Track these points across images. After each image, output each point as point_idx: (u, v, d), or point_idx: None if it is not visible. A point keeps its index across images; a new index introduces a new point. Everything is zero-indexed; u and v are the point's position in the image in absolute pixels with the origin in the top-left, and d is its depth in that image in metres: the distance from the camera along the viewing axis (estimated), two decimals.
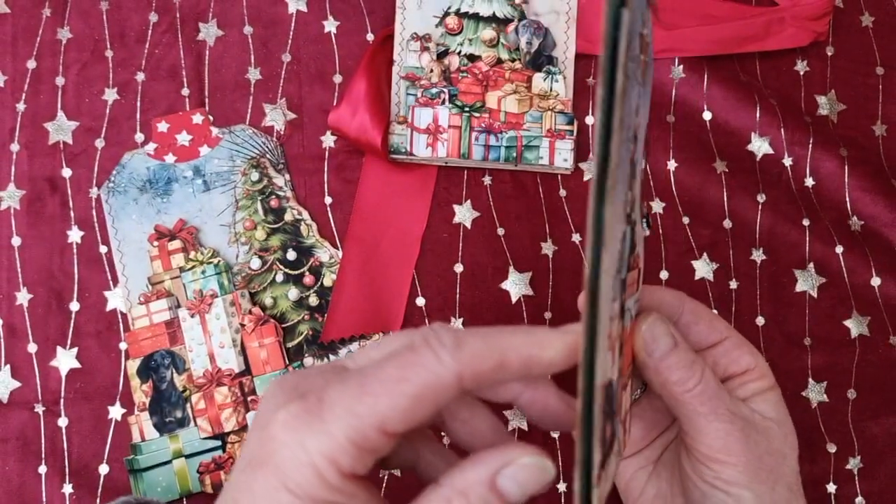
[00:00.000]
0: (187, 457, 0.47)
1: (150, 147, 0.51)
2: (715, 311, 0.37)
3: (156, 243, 0.49)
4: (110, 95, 0.52)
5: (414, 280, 0.50)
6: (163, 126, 0.51)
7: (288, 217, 0.50)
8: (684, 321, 0.37)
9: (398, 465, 0.29)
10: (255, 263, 0.49)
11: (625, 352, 0.31)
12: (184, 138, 0.51)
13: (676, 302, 0.37)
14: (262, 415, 0.26)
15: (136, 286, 0.49)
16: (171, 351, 0.48)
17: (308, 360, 0.48)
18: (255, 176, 0.50)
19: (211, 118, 0.52)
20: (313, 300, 0.49)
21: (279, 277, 0.49)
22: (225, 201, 0.50)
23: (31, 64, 0.52)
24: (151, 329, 0.48)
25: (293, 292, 0.49)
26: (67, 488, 0.47)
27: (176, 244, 0.49)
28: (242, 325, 0.48)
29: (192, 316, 0.48)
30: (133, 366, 0.48)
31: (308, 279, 0.49)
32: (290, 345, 0.48)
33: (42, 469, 0.47)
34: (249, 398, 0.47)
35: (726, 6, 0.53)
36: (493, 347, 0.25)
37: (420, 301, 0.50)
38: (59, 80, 0.52)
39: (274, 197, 0.50)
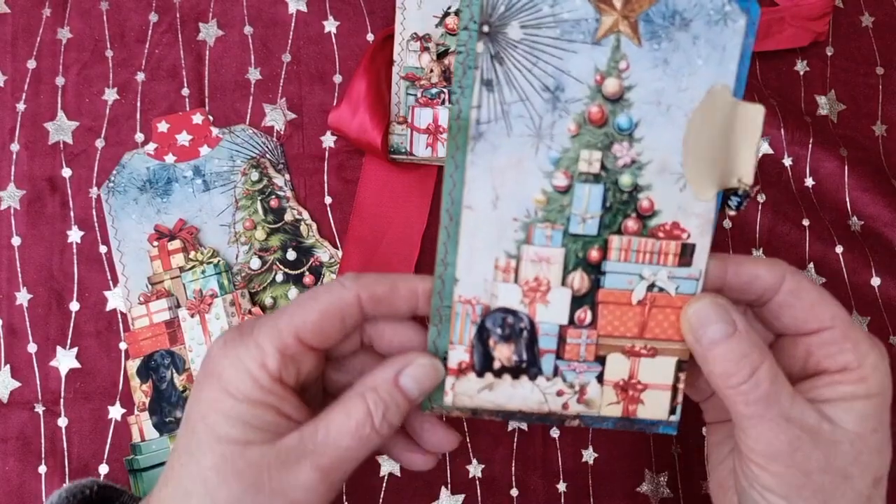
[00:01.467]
0: None
1: (151, 147, 0.51)
2: (826, 294, 0.32)
3: (156, 243, 0.49)
4: (110, 95, 0.52)
5: None
6: (163, 126, 0.51)
7: (288, 217, 0.50)
8: (779, 301, 0.32)
9: (342, 387, 0.33)
10: (255, 263, 0.49)
11: (638, 315, 0.32)
12: (184, 138, 0.51)
13: (772, 278, 0.32)
14: (206, 352, 0.31)
15: (136, 286, 0.49)
16: (171, 351, 0.48)
17: None
18: (255, 176, 0.50)
19: (211, 118, 0.52)
20: None
21: (279, 277, 0.49)
22: (225, 201, 0.50)
23: (32, 64, 0.52)
24: (151, 329, 0.48)
25: (293, 292, 0.49)
26: None
27: (176, 244, 0.49)
28: None
29: (192, 316, 0.48)
30: (133, 366, 0.48)
31: (308, 279, 0.49)
32: None
33: (42, 469, 0.47)
34: None
35: None
36: (387, 278, 0.31)
37: None
38: (60, 80, 0.52)
39: (274, 197, 0.50)
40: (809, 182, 0.53)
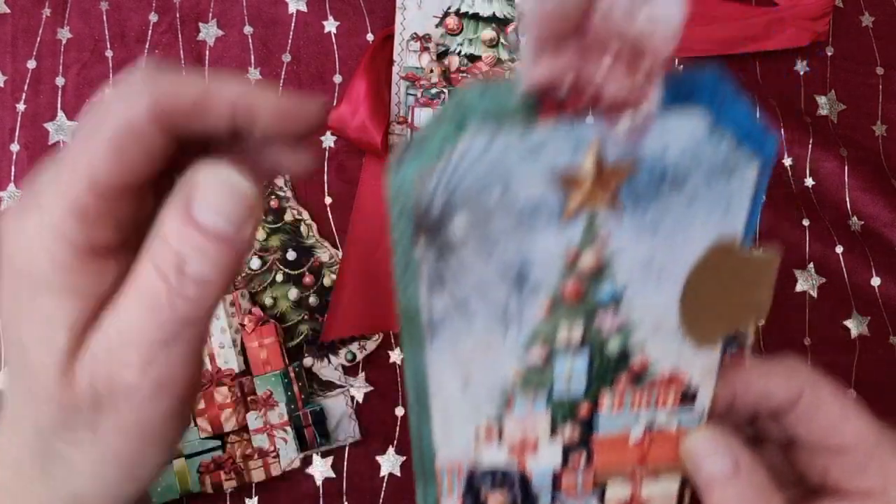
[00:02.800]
0: (187, 457, 0.46)
1: None
2: (850, 407, 0.29)
3: None
4: None
5: None
6: None
7: (288, 217, 0.50)
8: (796, 415, 0.29)
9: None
10: (255, 263, 0.49)
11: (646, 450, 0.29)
12: None
13: (787, 394, 0.29)
14: None
15: None
16: None
17: (308, 361, 0.48)
18: None
19: None
20: (313, 300, 0.49)
21: (279, 277, 0.49)
22: None
23: (32, 64, 0.52)
24: None
25: (293, 292, 0.49)
26: None
27: None
28: (242, 326, 0.48)
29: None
30: None
31: (308, 279, 0.49)
32: (289, 345, 0.48)
33: None
34: (249, 398, 0.47)
35: (726, 6, 0.53)
36: (198, 83, 0.22)
37: None
38: (60, 81, 0.52)
39: (274, 197, 0.50)
40: (809, 182, 0.53)
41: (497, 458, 0.28)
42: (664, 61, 0.19)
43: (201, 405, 0.47)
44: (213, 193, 0.21)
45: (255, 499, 0.47)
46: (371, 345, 0.49)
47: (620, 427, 0.28)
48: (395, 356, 0.50)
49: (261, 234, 0.50)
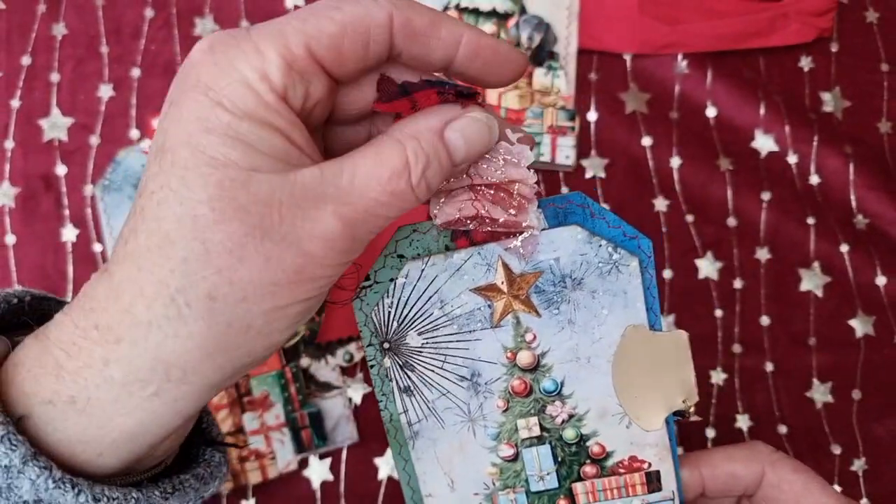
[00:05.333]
0: None
1: (146, 144, 0.50)
2: (813, 481, 0.31)
3: None
4: (105, 92, 0.51)
5: None
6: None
7: None
8: (763, 495, 0.31)
9: (343, 147, 0.26)
10: None
11: None
12: None
13: (750, 474, 0.31)
14: (186, 61, 0.23)
15: None
16: None
17: (305, 361, 0.48)
18: None
19: None
20: None
21: None
22: None
23: (26, 60, 0.51)
24: None
25: None
26: None
27: None
28: None
29: None
30: None
31: None
32: (286, 345, 0.48)
33: None
34: (245, 399, 0.47)
35: (730, 2, 0.53)
36: (430, 11, 0.24)
37: None
38: (54, 77, 0.51)
39: None
40: (814, 179, 0.52)
41: None
42: (530, 195, 0.27)
43: None
44: (469, 123, 0.24)
45: (252, 501, 0.47)
46: None
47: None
48: None
49: None
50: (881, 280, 0.51)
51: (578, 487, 0.31)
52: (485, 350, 0.29)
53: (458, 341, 0.29)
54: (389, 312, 0.29)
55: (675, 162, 0.52)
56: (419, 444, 0.30)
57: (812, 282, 0.51)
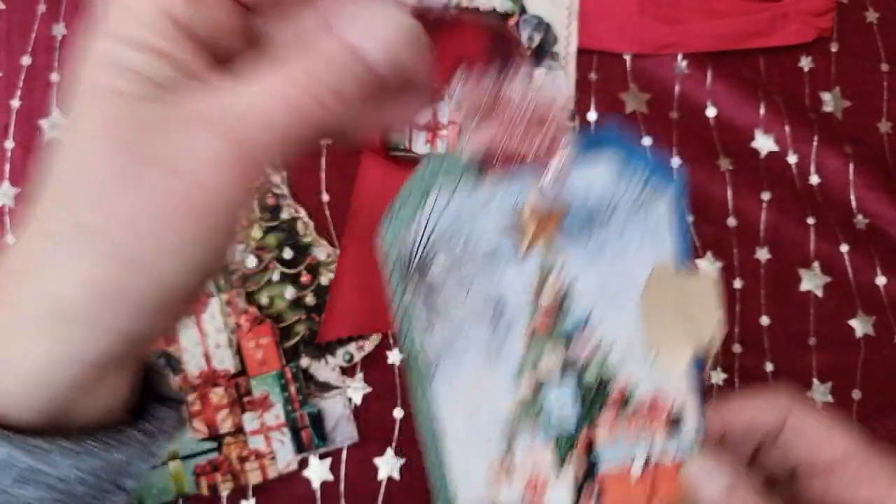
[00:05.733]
0: (183, 458, 0.46)
1: None
2: (836, 426, 0.31)
3: None
4: None
5: None
6: None
7: (285, 215, 0.49)
8: (784, 439, 0.31)
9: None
10: (252, 262, 0.49)
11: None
12: None
13: (772, 418, 0.31)
14: None
15: None
16: (165, 351, 0.47)
17: (305, 361, 0.48)
18: None
19: None
20: (310, 300, 0.48)
21: (276, 276, 0.49)
22: None
23: (26, 60, 0.51)
24: None
25: (290, 291, 0.48)
26: None
27: None
28: (238, 326, 0.47)
29: (188, 316, 0.47)
30: None
31: (305, 278, 0.49)
32: (286, 345, 0.48)
33: None
34: (245, 399, 0.47)
35: (730, 2, 0.53)
36: None
37: None
38: (55, 77, 0.51)
39: (270, 194, 0.49)
40: (814, 179, 0.52)
41: (513, 497, 0.31)
42: (563, 124, 0.26)
43: (196, 406, 0.46)
44: (382, 24, 0.22)
45: (252, 501, 0.47)
46: (369, 345, 0.48)
47: (620, 461, 0.31)
48: (394, 357, 0.49)
49: (257, 233, 0.49)
50: (881, 280, 0.51)
51: (598, 429, 0.30)
52: (509, 285, 0.28)
53: (481, 275, 0.28)
54: (414, 239, 0.28)
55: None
56: (437, 380, 0.30)
57: (812, 282, 0.51)
